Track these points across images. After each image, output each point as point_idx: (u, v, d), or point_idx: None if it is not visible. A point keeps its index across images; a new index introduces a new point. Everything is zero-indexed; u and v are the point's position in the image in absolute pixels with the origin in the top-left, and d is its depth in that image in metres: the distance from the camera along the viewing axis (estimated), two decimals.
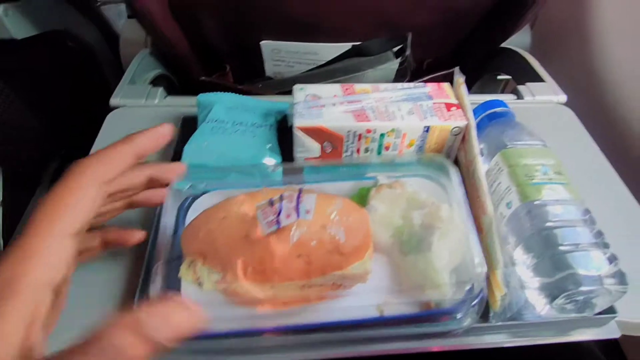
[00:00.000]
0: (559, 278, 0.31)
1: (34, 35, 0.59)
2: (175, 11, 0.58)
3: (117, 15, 0.92)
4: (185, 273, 0.31)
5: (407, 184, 0.38)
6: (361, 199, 0.38)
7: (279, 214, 0.29)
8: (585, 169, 0.45)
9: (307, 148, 0.40)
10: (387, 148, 0.41)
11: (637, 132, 0.57)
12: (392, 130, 0.40)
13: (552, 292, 0.32)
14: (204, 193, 0.38)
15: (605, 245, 0.33)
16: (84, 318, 0.33)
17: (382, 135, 0.40)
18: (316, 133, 0.39)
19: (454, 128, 0.40)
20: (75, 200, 0.23)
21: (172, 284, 0.33)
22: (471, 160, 0.39)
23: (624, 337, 0.35)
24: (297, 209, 0.29)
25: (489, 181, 0.39)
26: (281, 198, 0.30)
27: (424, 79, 0.71)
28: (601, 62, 0.65)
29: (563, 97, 0.53)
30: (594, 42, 0.66)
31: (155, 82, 0.64)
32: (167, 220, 0.34)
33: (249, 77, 0.72)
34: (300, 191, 0.30)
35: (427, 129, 0.40)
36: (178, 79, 0.72)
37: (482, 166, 0.38)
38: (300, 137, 0.39)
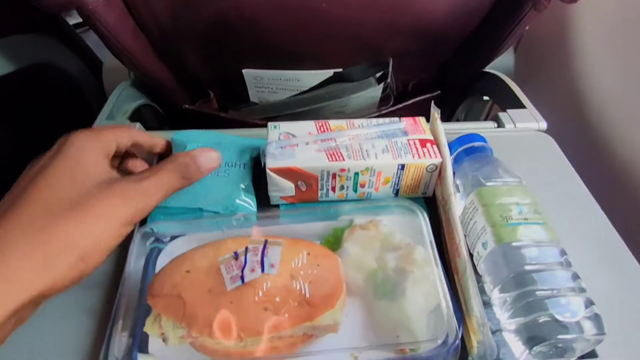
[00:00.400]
0: (536, 322, 0.31)
1: (15, 70, 0.59)
2: (156, 46, 0.58)
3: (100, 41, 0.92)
4: (150, 327, 0.30)
5: (381, 224, 0.38)
6: (336, 239, 0.38)
7: (243, 268, 0.29)
8: (565, 199, 0.45)
9: (280, 187, 0.40)
10: (362, 185, 0.41)
11: (620, 157, 0.57)
12: (366, 169, 0.39)
13: (530, 337, 0.31)
14: (171, 240, 0.38)
15: (581, 290, 0.32)
16: None
17: (356, 174, 0.39)
18: (289, 173, 0.39)
19: (429, 165, 0.40)
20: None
21: (141, 336, 0.32)
22: (446, 199, 0.38)
23: None
24: (261, 263, 0.29)
25: (466, 219, 0.39)
26: (246, 251, 0.29)
27: (408, 102, 0.71)
28: (584, 81, 0.65)
29: (543, 125, 0.53)
30: (576, 64, 0.66)
31: (139, 111, 0.64)
32: (133, 272, 0.33)
33: (233, 103, 0.72)
34: (265, 243, 0.29)
35: (402, 167, 0.39)
36: (162, 108, 0.72)
37: (456, 206, 0.37)
38: (273, 178, 0.39)
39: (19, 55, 0.58)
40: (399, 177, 0.40)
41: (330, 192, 0.41)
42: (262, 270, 0.28)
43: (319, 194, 0.41)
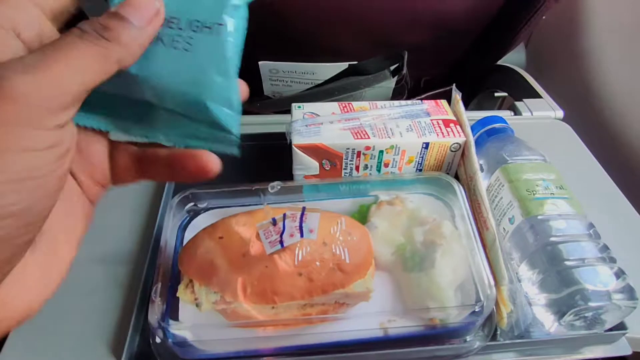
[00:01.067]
0: (566, 294, 0.31)
1: None
2: None
3: None
4: (182, 293, 0.30)
5: (407, 200, 0.38)
6: (361, 216, 0.38)
7: (282, 233, 0.29)
8: (585, 183, 0.45)
9: (306, 166, 0.40)
10: (386, 165, 0.41)
11: (635, 144, 0.57)
12: (391, 147, 0.39)
13: (560, 309, 0.31)
14: (202, 212, 0.38)
15: (612, 260, 0.32)
16: (80, 340, 0.32)
17: (380, 152, 0.40)
18: (314, 151, 0.39)
19: (453, 144, 0.40)
20: None
21: (172, 304, 0.32)
22: (471, 176, 0.38)
23: (636, 354, 0.34)
24: (300, 228, 0.29)
25: (491, 196, 0.39)
26: (284, 217, 0.29)
27: (422, 96, 0.72)
28: (595, 76, 0.66)
29: (560, 113, 0.53)
30: (587, 57, 0.67)
31: None
32: (166, 238, 0.33)
33: (248, 97, 0.73)
34: (303, 210, 0.30)
35: (426, 146, 0.40)
36: None
37: (482, 182, 0.37)
38: (299, 155, 0.39)
39: None
40: (423, 157, 0.41)
41: (354, 172, 0.41)
42: (301, 235, 0.28)
43: (343, 173, 0.41)
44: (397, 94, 0.66)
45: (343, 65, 0.64)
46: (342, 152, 0.39)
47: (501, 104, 0.76)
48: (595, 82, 0.65)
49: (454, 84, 0.66)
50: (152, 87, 0.21)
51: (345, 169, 0.41)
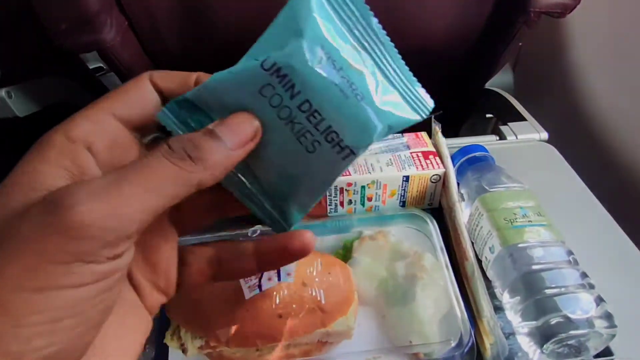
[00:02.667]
0: (546, 322, 0.31)
1: (38, 110, 0.62)
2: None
3: (119, 81, 0.97)
4: (169, 340, 0.31)
5: (389, 234, 0.39)
6: (346, 251, 0.39)
7: (260, 277, 0.30)
8: (571, 204, 0.45)
9: None
10: (369, 199, 0.42)
11: (622, 163, 0.58)
12: (372, 182, 0.41)
13: (541, 337, 0.31)
14: None
15: (591, 286, 0.32)
16: None
17: (362, 187, 0.41)
18: None
19: (433, 176, 0.41)
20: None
21: (162, 349, 0.33)
22: (451, 207, 0.39)
23: None
24: (278, 271, 0.30)
25: (472, 225, 0.40)
26: None
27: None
28: (581, 96, 0.66)
29: (544, 135, 0.54)
30: (572, 77, 0.68)
31: (155, 142, 0.67)
32: None
33: None
34: None
35: (406, 179, 0.41)
36: None
37: (461, 213, 0.38)
38: None
39: (43, 96, 0.62)
40: (405, 189, 0.42)
41: (339, 207, 0.43)
42: (279, 278, 0.29)
43: (328, 209, 0.43)
44: None
45: None
46: None
47: (495, 125, 0.77)
48: (581, 102, 0.66)
49: (440, 111, 0.68)
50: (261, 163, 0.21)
51: (330, 204, 0.42)
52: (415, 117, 0.23)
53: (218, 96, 0.19)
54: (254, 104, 0.19)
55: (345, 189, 0.41)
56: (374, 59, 0.22)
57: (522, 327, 0.33)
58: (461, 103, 0.72)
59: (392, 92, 0.22)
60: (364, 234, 0.39)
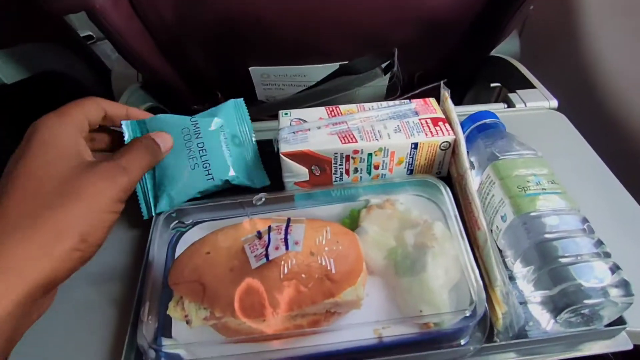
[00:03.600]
0: (561, 291, 0.30)
1: (24, 78, 0.60)
2: (163, 47, 0.59)
3: (111, 50, 0.93)
4: (173, 311, 0.30)
5: (397, 203, 0.38)
6: (352, 221, 0.38)
7: (267, 246, 0.29)
8: (582, 173, 0.44)
9: (295, 173, 0.40)
10: (376, 167, 0.41)
11: (633, 130, 0.56)
12: (380, 149, 0.39)
13: (555, 306, 0.30)
14: (192, 226, 0.38)
15: (607, 255, 0.31)
16: (75, 358, 0.32)
17: (369, 155, 0.39)
18: (302, 158, 0.39)
19: (443, 143, 0.40)
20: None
21: (164, 321, 0.32)
22: (462, 175, 0.38)
23: (637, 347, 0.34)
24: (285, 240, 0.29)
25: (482, 194, 0.39)
26: (269, 230, 0.29)
27: (416, 92, 0.71)
28: (591, 62, 0.64)
29: (554, 102, 0.52)
30: (582, 43, 0.65)
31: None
32: (153, 256, 0.33)
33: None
34: (288, 222, 0.29)
35: (415, 146, 0.39)
36: (171, 110, 0.73)
37: (472, 180, 0.37)
38: (287, 163, 0.39)
39: (31, 63, 0.59)
40: (413, 157, 0.40)
41: (345, 176, 0.41)
42: (287, 248, 0.28)
43: (333, 178, 0.41)
44: (390, 92, 0.66)
45: (334, 66, 0.63)
46: (331, 157, 0.39)
47: (498, 95, 0.75)
48: (591, 69, 0.64)
49: (445, 79, 0.66)
50: None
51: (335, 173, 0.41)
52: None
53: (159, 125, 0.40)
54: (176, 133, 0.40)
55: (352, 157, 0.39)
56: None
57: (534, 297, 0.32)
58: (467, 71, 0.70)
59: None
60: (371, 203, 0.38)
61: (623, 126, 0.58)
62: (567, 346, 0.33)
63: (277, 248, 0.28)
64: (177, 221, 0.37)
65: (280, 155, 0.38)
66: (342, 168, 0.40)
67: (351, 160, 0.40)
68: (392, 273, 0.34)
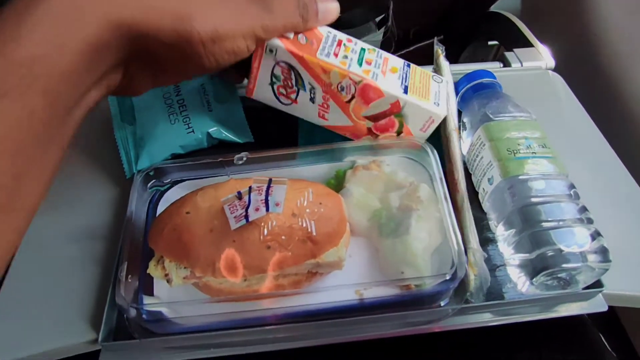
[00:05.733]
0: (539, 255, 0.30)
1: None
2: None
3: None
4: (153, 270, 0.30)
5: (383, 164, 0.37)
6: (338, 181, 0.37)
7: (247, 207, 0.28)
8: (574, 137, 0.43)
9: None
10: (368, 62, 0.37)
11: (631, 96, 0.55)
12: (373, 49, 0.37)
13: (533, 269, 0.31)
14: (171, 185, 0.37)
15: (589, 221, 0.31)
16: (59, 317, 0.33)
17: (362, 49, 0.37)
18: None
19: (435, 75, 0.38)
20: None
21: (145, 279, 0.32)
22: (447, 137, 0.37)
23: (621, 308, 0.35)
24: (266, 202, 0.28)
25: (472, 156, 0.38)
26: (250, 190, 0.28)
27: (410, 48, 0.69)
28: (594, 23, 0.62)
29: (551, 63, 0.50)
30: (584, 2, 0.62)
31: None
32: (132, 215, 0.33)
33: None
34: (269, 182, 0.29)
35: (408, 65, 0.38)
36: None
37: (457, 142, 0.36)
38: None
39: None
40: (407, 74, 0.38)
41: (332, 56, 0.36)
42: (267, 209, 0.28)
43: (318, 52, 0.36)
44: (384, 48, 0.63)
45: None
46: (323, 34, 0.36)
47: (497, 53, 0.72)
48: (593, 29, 0.61)
49: (441, 36, 0.63)
50: None
51: (322, 49, 0.36)
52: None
53: None
54: (156, 92, 0.41)
55: (345, 44, 0.37)
56: None
57: (513, 259, 0.33)
58: (464, 27, 0.67)
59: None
60: (357, 163, 0.37)
61: (621, 91, 0.57)
62: (544, 307, 0.34)
63: (257, 209, 0.28)
64: (155, 180, 0.36)
65: None
66: (331, 49, 0.36)
67: (343, 47, 0.37)
68: (376, 235, 0.34)
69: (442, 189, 0.33)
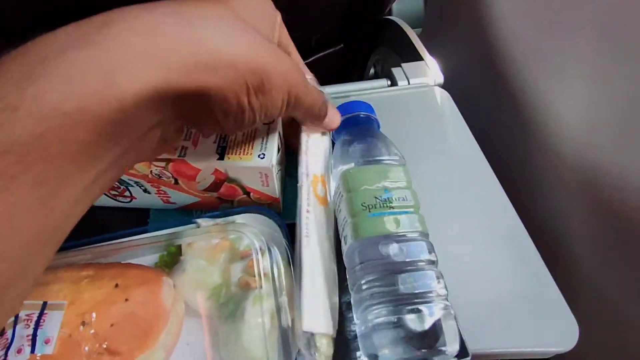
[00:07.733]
0: (379, 330, 0.26)
1: None
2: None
3: None
4: None
5: (229, 228, 0.31)
6: (171, 256, 0.31)
7: (8, 347, 0.22)
8: (455, 160, 0.39)
9: None
10: None
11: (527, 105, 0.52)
12: None
13: (369, 345, 0.26)
14: None
15: (440, 296, 0.27)
16: None
17: None
18: None
19: None
20: None
21: None
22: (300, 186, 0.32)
23: None
24: (33, 338, 0.22)
25: (336, 207, 0.33)
26: (15, 322, 0.22)
27: (310, 60, 0.64)
28: (489, 35, 0.57)
29: (440, 78, 0.46)
30: (484, 10, 0.58)
31: None
32: None
33: None
34: (43, 308, 0.22)
35: None
36: None
37: (306, 197, 0.31)
38: None
39: None
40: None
41: None
42: (33, 349, 0.22)
43: None
44: None
45: None
46: None
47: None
48: (489, 37, 0.56)
49: (342, 45, 0.58)
50: None
51: None
52: None
53: None
54: None
55: None
56: None
57: (357, 329, 0.28)
58: (363, 35, 0.62)
59: None
60: (200, 228, 0.32)
61: (526, 101, 0.53)
62: None
63: (20, 350, 0.21)
64: None
65: None
66: None
67: None
68: (217, 316, 0.29)
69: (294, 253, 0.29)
